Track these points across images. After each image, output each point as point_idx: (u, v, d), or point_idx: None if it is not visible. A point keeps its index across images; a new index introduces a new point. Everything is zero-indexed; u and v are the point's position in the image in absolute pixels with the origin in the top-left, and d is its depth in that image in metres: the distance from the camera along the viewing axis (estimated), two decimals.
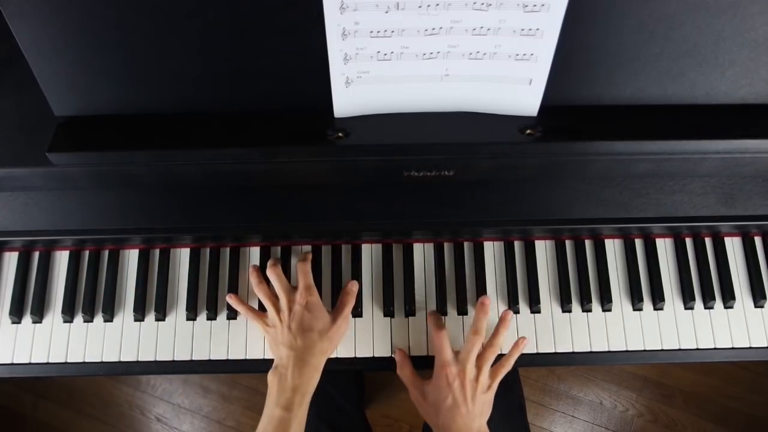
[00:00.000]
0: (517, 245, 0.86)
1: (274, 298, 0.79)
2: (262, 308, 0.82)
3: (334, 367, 0.82)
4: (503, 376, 0.77)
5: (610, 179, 0.76)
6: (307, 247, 0.86)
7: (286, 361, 0.74)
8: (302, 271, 0.80)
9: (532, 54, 0.63)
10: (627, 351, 0.82)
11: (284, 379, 0.73)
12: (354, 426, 1.00)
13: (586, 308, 0.83)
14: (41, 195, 0.76)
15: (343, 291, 0.82)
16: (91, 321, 0.84)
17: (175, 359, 0.82)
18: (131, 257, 0.86)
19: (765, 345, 0.82)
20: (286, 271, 0.84)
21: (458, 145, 0.69)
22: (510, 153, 0.70)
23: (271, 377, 0.74)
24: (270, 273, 0.80)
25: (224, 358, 0.82)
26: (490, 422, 0.76)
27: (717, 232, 0.86)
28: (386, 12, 0.59)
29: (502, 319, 0.80)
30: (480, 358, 0.76)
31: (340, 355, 0.82)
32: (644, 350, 0.82)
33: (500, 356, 0.79)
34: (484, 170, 0.73)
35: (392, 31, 0.61)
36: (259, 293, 0.80)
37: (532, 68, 0.64)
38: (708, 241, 0.86)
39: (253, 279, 0.81)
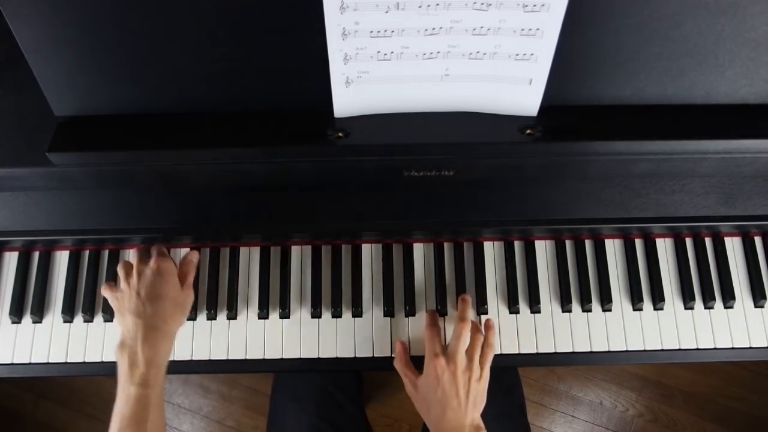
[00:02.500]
0: (517, 245, 0.86)
1: (129, 267, 0.76)
2: None
3: (334, 367, 0.82)
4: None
5: (610, 179, 0.76)
6: (307, 248, 0.86)
7: (135, 332, 0.69)
8: (155, 247, 0.79)
9: (532, 54, 0.63)
10: (627, 351, 0.82)
11: (134, 353, 0.68)
12: (355, 425, 1.00)
13: (586, 308, 0.83)
14: (41, 195, 0.76)
15: (183, 260, 0.81)
16: (91, 321, 0.84)
17: (175, 359, 0.82)
18: (131, 257, 0.86)
19: (765, 345, 0.82)
20: (285, 273, 0.84)
21: (458, 145, 0.69)
22: (510, 153, 0.70)
23: (119, 353, 0.68)
24: (132, 252, 0.79)
25: (224, 358, 0.82)
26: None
27: (717, 232, 0.86)
28: (386, 12, 0.59)
29: (487, 326, 0.80)
30: (470, 347, 0.76)
31: (340, 355, 0.82)
32: (644, 350, 0.82)
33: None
34: (484, 170, 0.73)
35: (392, 31, 0.61)
36: (119, 267, 0.77)
37: (532, 68, 0.64)
38: (708, 241, 0.86)
39: (120, 263, 0.79)
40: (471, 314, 0.79)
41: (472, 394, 0.74)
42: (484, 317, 0.83)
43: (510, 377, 1.04)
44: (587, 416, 1.57)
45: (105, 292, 0.77)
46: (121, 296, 0.74)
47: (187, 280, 0.79)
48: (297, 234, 0.84)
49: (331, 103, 0.68)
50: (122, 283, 0.75)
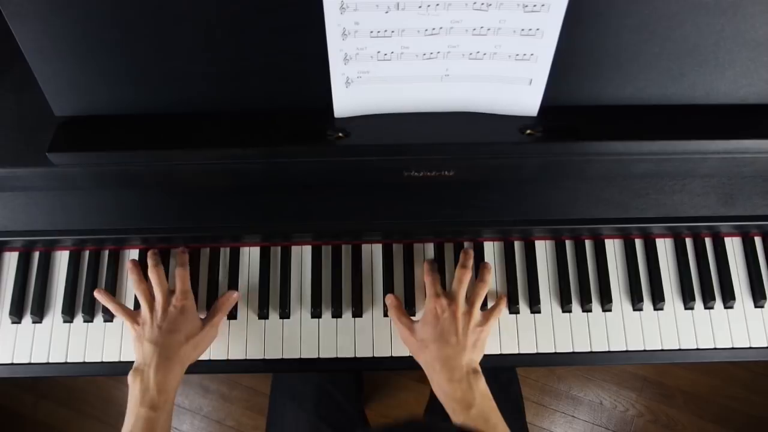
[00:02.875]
0: (517, 245, 0.86)
1: (151, 298, 0.78)
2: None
3: (334, 367, 0.82)
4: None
5: (610, 179, 0.76)
6: (307, 248, 0.86)
7: (150, 359, 0.72)
8: (180, 277, 0.80)
9: (532, 54, 0.63)
10: (627, 351, 0.82)
11: (147, 377, 0.71)
12: (354, 425, 1.00)
13: (586, 308, 0.83)
14: (41, 195, 0.76)
15: (220, 298, 0.82)
16: (91, 321, 0.84)
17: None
18: (131, 257, 0.86)
19: (765, 345, 0.82)
20: (285, 273, 0.84)
21: (458, 145, 0.69)
22: (510, 153, 0.70)
23: (132, 377, 0.72)
24: (152, 274, 0.79)
25: (224, 358, 0.82)
26: None
27: (717, 232, 0.86)
28: (386, 12, 0.59)
29: (484, 267, 0.81)
30: (472, 294, 0.77)
31: (340, 355, 0.82)
32: (644, 350, 0.82)
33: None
34: (484, 170, 0.73)
35: (392, 31, 0.61)
36: (138, 291, 0.79)
37: (532, 68, 0.64)
38: (708, 241, 0.86)
39: (133, 276, 0.80)
40: (472, 263, 0.81)
41: (472, 337, 0.74)
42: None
43: (507, 375, 1.04)
44: (587, 416, 1.57)
45: (125, 318, 0.78)
46: (142, 326, 0.76)
47: (214, 319, 0.79)
48: (297, 234, 0.84)
49: (331, 103, 0.68)
50: (145, 312, 0.77)
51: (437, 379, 0.72)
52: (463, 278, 0.78)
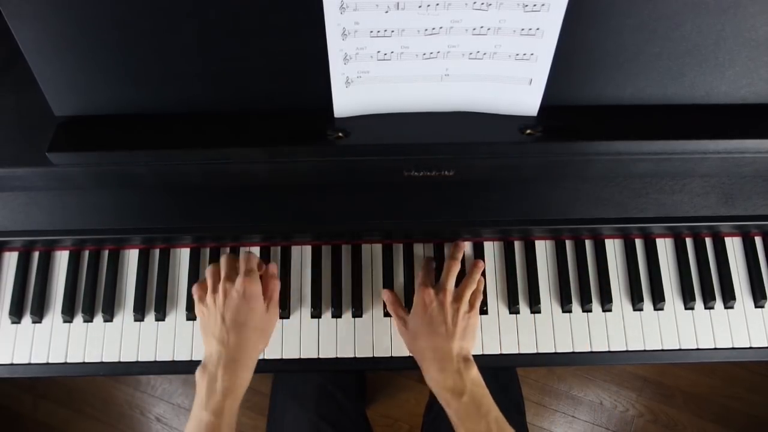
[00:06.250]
0: (517, 245, 0.86)
1: (217, 276, 0.74)
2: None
3: (334, 367, 0.82)
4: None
5: (610, 179, 0.76)
6: (307, 248, 0.86)
7: (217, 360, 0.69)
8: (245, 259, 0.75)
9: (532, 54, 0.63)
10: (627, 351, 0.82)
11: (214, 380, 0.68)
12: (354, 425, 1.00)
13: (586, 308, 0.83)
14: (41, 195, 0.76)
15: (266, 275, 0.78)
16: (91, 321, 0.84)
17: (175, 359, 0.82)
18: (131, 257, 0.86)
19: (765, 345, 0.82)
20: (285, 273, 0.84)
21: (458, 145, 0.69)
22: (510, 153, 0.70)
23: (200, 376, 0.69)
24: (223, 257, 0.76)
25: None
26: None
27: (717, 232, 0.86)
28: (386, 12, 0.59)
29: (475, 265, 0.82)
30: (460, 287, 0.78)
31: (340, 356, 0.82)
32: (644, 350, 0.82)
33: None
34: (484, 170, 0.73)
35: (392, 31, 0.61)
36: (207, 272, 0.75)
37: (532, 68, 0.64)
38: (708, 241, 0.86)
39: (209, 267, 0.77)
40: (462, 255, 0.82)
41: (461, 325, 0.74)
42: (483, 317, 0.83)
43: (507, 375, 1.04)
44: (587, 416, 1.57)
45: (195, 295, 0.75)
46: (207, 313, 0.73)
47: (273, 298, 0.77)
48: (297, 234, 0.84)
49: (331, 103, 0.68)
50: (208, 298, 0.73)
51: (429, 368, 0.73)
52: (452, 269, 0.79)
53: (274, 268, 0.80)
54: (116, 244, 0.85)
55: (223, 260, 0.76)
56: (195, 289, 0.76)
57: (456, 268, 0.79)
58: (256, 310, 0.73)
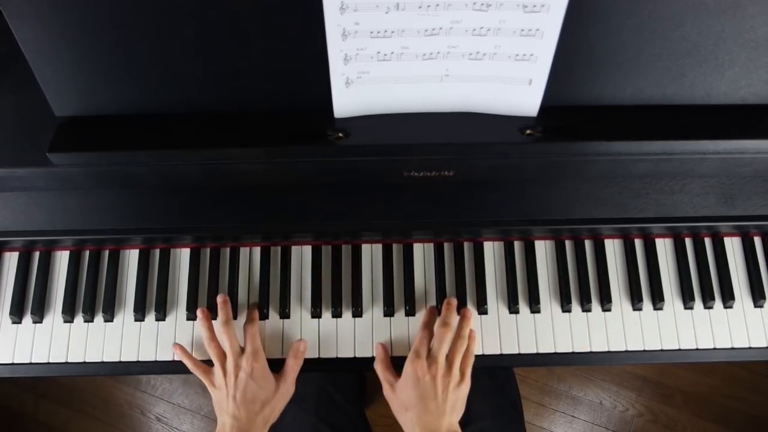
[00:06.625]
0: (517, 245, 0.86)
1: (223, 358, 0.78)
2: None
3: (335, 367, 0.82)
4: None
5: (610, 179, 0.76)
6: (307, 248, 0.86)
7: (230, 429, 0.74)
8: (250, 335, 0.79)
9: (532, 54, 0.63)
10: (627, 351, 0.82)
11: None
12: (354, 425, 1.00)
13: (585, 308, 0.83)
14: (41, 195, 0.76)
15: (290, 353, 0.81)
16: (92, 321, 0.84)
17: (175, 359, 0.82)
18: (131, 257, 0.86)
19: (765, 345, 0.82)
20: (285, 273, 0.84)
21: (458, 146, 0.69)
22: (510, 153, 0.70)
23: None
24: (223, 331, 0.78)
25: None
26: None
27: (717, 233, 0.86)
28: (386, 12, 0.59)
29: (463, 316, 0.80)
30: (450, 352, 0.76)
31: (340, 356, 0.82)
32: (644, 350, 0.82)
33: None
34: (484, 170, 0.73)
35: (392, 32, 0.61)
36: (210, 350, 0.78)
37: (532, 68, 0.64)
38: (708, 241, 0.86)
39: (205, 334, 0.79)
40: (455, 319, 0.79)
41: (451, 399, 0.74)
42: (483, 317, 0.83)
43: (504, 374, 1.04)
44: (587, 416, 1.57)
45: (202, 377, 0.79)
46: (219, 394, 0.77)
47: (289, 378, 0.79)
48: (297, 234, 0.84)
49: (331, 103, 0.68)
50: (219, 380, 0.77)
51: None
52: (444, 337, 0.76)
53: (299, 346, 0.81)
54: (116, 244, 0.85)
55: (224, 339, 0.78)
56: (196, 371, 0.79)
57: (449, 336, 0.76)
58: (265, 387, 0.77)
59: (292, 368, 0.80)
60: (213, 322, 0.81)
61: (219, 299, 0.81)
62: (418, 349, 0.76)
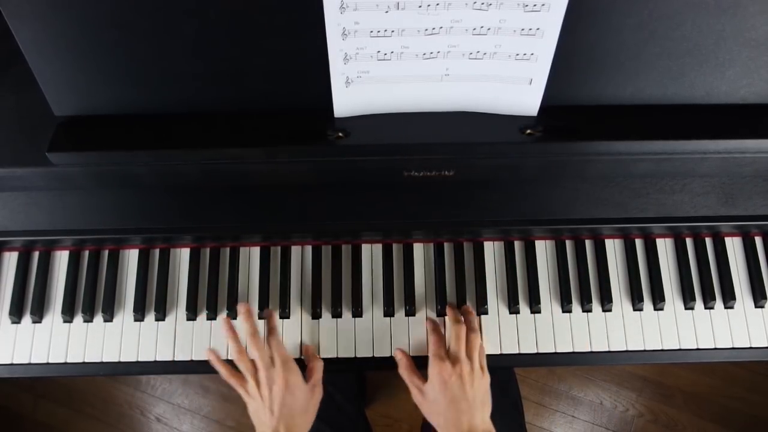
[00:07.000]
0: (517, 245, 0.86)
1: (255, 370, 0.77)
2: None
3: (335, 367, 0.82)
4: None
5: (610, 179, 0.76)
6: (307, 248, 0.86)
7: None
8: (275, 346, 0.78)
9: (532, 54, 0.63)
10: (627, 351, 0.82)
11: None
12: (354, 425, 1.00)
13: (586, 308, 0.83)
14: (41, 195, 0.76)
15: (308, 357, 0.81)
16: (91, 321, 0.84)
17: (175, 359, 0.82)
18: (131, 257, 0.86)
19: (765, 345, 0.82)
20: (285, 273, 0.84)
21: (458, 145, 0.69)
22: (510, 153, 0.70)
23: None
24: (251, 345, 0.77)
25: (224, 358, 0.82)
26: None
27: (717, 232, 0.86)
28: (386, 12, 0.59)
29: (467, 311, 0.81)
30: (468, 348, 0.77)
31: (340, 356, 0.82)
32: (644, 350, 0.82)
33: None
34: (484, 170, 0.73)
35: (392, 31, 0.61)
36: (240, 364, 0.77)
37: (533, 68, 0.64)
38: (708, 241, 0.86)
39: (234, 346, 0.78)
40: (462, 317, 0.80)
41: (480, 394, 0.74)
42: (484, 317, 0.83)
43: (504, 374, 1.04)
44: (587, 416, 1.57)
45: (237, 386, 0.78)
46: (254, 404, 0.76)
47: (315, 377, 0.79)
48: (297, 234, 0.84)
49: (331, 103, 0.68)
50: (253, 390, 0.76)
51: None
52: (460, 334, 0.77)
53: (309, 348, 0.82)
54: (116, 244, 0.85)
55: (253, 351, 0.77)
56: (231, 380, 0.78)
57: (464, 331, 0.77)
58: (300, 397, 0.76)
59: (317, 369, 0.80)
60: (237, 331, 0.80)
61: (241, 309, 0.79)
62: (437, 351, 0.76)
